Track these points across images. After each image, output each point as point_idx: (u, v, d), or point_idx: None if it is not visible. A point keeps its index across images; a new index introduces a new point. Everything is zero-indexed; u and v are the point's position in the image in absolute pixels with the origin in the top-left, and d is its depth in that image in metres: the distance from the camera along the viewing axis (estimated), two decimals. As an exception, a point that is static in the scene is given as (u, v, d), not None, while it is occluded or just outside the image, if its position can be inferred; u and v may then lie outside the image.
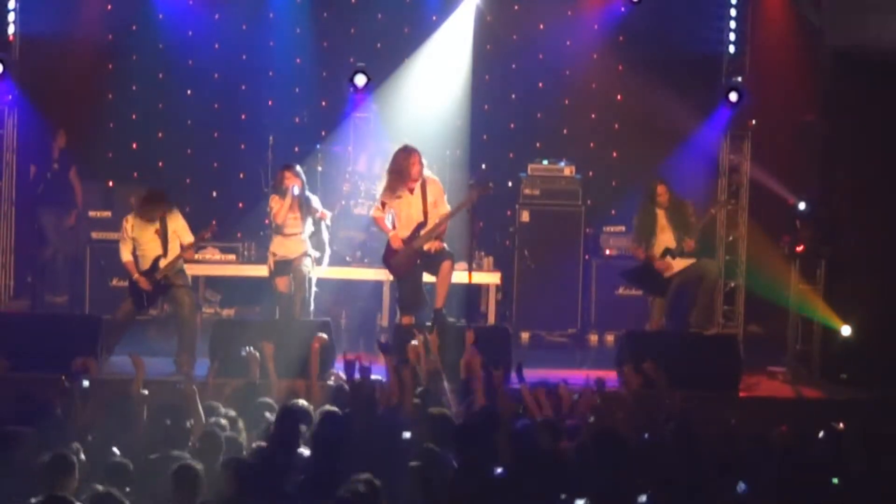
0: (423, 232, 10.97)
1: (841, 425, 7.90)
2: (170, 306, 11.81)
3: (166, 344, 11.21)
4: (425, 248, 10.97)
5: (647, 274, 11.73)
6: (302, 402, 7.93)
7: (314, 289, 11.41)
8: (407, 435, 7.23)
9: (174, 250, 10.97)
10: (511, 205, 13.65)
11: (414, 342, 9.09)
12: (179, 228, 11.04)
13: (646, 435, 7.67)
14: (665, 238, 11.64)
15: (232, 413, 7.75)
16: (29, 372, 9.89)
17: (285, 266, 11.30)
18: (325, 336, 9.57)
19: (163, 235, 10.97)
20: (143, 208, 11.06)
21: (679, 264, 11.58)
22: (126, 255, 11.03)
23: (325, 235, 11.66)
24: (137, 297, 11.02)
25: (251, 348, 9.02)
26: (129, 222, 11.03)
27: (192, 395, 7.90)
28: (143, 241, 10.99)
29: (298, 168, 11.43)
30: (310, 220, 11.39)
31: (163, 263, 10.94)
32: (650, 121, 13.45)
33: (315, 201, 11.40)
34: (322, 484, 6.32)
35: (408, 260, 11.03)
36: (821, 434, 7.74)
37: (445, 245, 11.08)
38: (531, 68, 14.21)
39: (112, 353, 10.68)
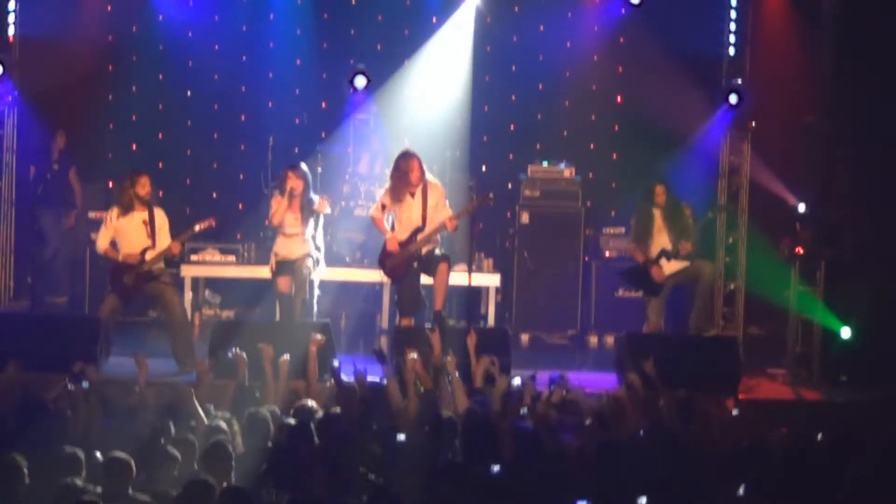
0: (419, 236, 10.97)
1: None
2: (158, 310, 11.73)
3: (167, 344, 11.19)
4: (423, 251, 10.98)
5: (643, 274, 11.73)
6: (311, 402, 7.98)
7: (317, 291, 11.38)
8: (401, 437, 7.23)
9: (161, 244, 10.92)
10: (511, 206, 13.64)
11: (412, 356, 9.03)
12: (164, 228, 11.00)
13: (641, 432, 7.69)
14: (661, 240, 11.62)
15: (227, 415, 7.75)
16: (28, 373, 9.85)
17: (287, 266, 11.27)
18: (321, 337, 9.56)
19: (150, 226, 10.90)
20: (120, 192, 11.03)
21: (674, 266, 11.57)
22: (104, 244, 10.91)
23: (319, 232, 11.56)
24: (121, 290, 10.89)
25: (238, 349, 9.02)
26: (115, 211, 10.97)
27: (189, 396, 7.90)
28: (130, 231, 10.89)
29: (303, 168, 11.36)
30: (312, 222, 11.34)
31: (150, 255, 10.89)
32: (650, 122, 13.45)
33: (316, 200, 11.37)
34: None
35: (403, 263, 11.03)
36: (819, 436, 7.74)
37: (439, 247, 11.08)
38: (531, 70, 14.21)
39: (110, 354, 10.65)
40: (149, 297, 11.24)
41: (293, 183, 11.17)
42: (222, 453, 6.65)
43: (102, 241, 10.95)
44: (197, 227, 11.05)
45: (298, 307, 11.20)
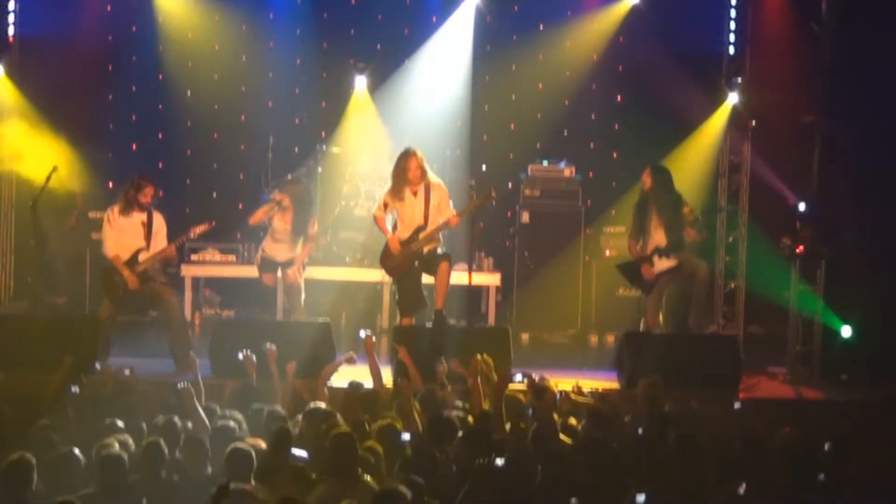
0: (421, 235, 10.97)
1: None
2: (156, 309, 11.70)
3: (167, 344, 11.19)
4: (424, 250, 10.98)
5: (637, 270, 11.72)
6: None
7: (302, 294, 11.49)
8: (406, 437, 7.24)
9: (156, 246, 10.94)
10: (511, 205, 13.65)
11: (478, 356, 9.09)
12: (161, 231, 11.03)
13: (640, 430, 7.70)
14: (657, 237, 11.59)
15: (238, 416, 7.76)
16: (28, 374, 9.86)
17: (271, 265, 11.56)
18: (354, 356, 9.58)
19: (147, 228, 10.93)
20: (124, 194, 11.04)
21: (666, 264, 11.52)
22: (113, 249, 10.88)
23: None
24: (113, 292, 10.91)
25: (248, 351, 9.04)
26: (115, 211, 10.98)
27: (190, 397, 7.91)
28: (128, 230, 10.91)
29: (296, 186, 11.62)
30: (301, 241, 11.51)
31: (143, 256, 10.90)
32: (650, 121, 13.46)
33: (312, 224, 11.57)
34: None
35: (404, 262, 11.02)
36: (820, 435, 7.73)
37: (441, 246, 11.08)
38: (531, 69, 14.21)
39: (109, 354, 10.65)
40: (147, 297, 11.22)
41: (280, 195, 11.47)
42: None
43: (110, 245, 10.94)
44: (192, 234, 11.07)
45: (295, 304, 11.43)
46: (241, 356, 9.06)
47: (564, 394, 8.92)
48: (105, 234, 11.00)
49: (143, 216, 10.95)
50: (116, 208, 11.00)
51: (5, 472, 6.33)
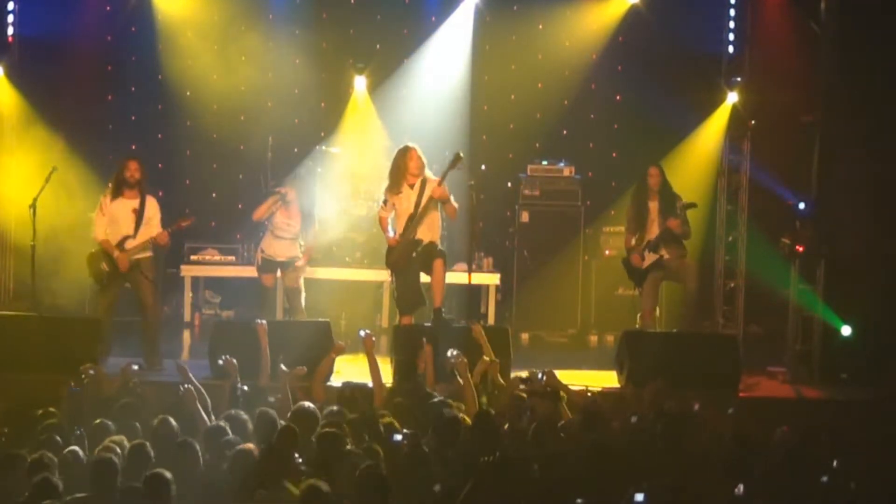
0: (413, 222, 10.97)
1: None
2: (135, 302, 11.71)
3: (166, 345, 11.20)
4: (417, 237, 10.95)
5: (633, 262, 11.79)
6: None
7: (302, 295, 11.58)
8: (398, 437, 7.25)
9: (144, 235, 10.90)
10: (511, 205, 13.66)
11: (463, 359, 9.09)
12: (155, 218, 10.99)
13: (640, 430, 7.71)
14: (653, 231, 11.63)
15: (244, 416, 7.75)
16: (29, 374, 9.87)
17: (272, 265, 11.64)
18: (343, 345, 9.61)
19: (139, 216, 10.90)
20: (116, 176, 11.03)
21: (652, 258, 11.54)
22: (101, 233, 10.90)
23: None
24: (98, 276, 10.89)
25: (227, 356, 9.03)
26: (107, 199, 10.97)
27: (192, 400, 7.93)
28: (118, 217, 10.90)
29: (295, 179, 11.79)
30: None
31: (130, 244, 10.88)
32: (649, 121, 13.47)
33: (313, 233, 11.73)
34: None
35: (404, 252, 11.00)
36: (820, 434, 7.74)
37: (438, 242, 11.08)
38: (530, 69, 14.21)
39: (109, 354, 10.65)
40: (128, 284, 11.09)
41: (284, 189, 11.61)
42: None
43: (99, 231, 10.96)
44: (176, 226, 11.05)
45: (296, 306, 11.52)
46: (220, 362, 9.05)
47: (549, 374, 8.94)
48: (95, 221, 11.02)
49: (135, 202, 10.92)
50: (108, 196, 11.00)
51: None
